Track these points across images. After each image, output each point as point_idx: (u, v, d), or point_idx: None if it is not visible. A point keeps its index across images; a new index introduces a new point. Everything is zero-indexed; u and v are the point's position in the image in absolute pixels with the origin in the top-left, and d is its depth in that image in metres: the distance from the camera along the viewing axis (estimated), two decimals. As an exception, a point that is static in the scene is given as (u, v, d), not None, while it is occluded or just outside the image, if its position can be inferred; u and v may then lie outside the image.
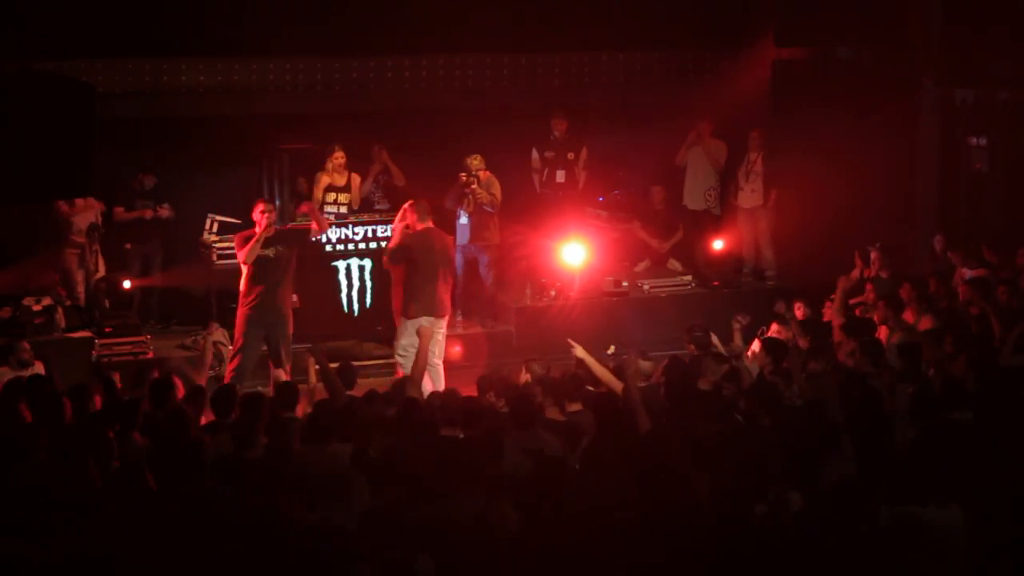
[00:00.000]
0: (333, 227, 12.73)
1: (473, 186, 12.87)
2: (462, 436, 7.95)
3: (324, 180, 13.39)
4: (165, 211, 13.29)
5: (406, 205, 11.52)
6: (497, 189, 13.14)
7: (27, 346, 10.66)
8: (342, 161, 13.35)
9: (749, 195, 14.43)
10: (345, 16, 13.70)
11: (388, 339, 13.11)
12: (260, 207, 11.14)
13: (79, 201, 12.58)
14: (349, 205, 13.40)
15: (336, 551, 6.01)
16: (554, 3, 14.31)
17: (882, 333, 10.89)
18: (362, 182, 13.75)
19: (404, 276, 11.43)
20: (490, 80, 14.88)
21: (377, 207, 13.75)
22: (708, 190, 14.52)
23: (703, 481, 6.75)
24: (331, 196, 13.37)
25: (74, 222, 12.66)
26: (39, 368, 10.57)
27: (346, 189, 13.41)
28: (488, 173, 13.16)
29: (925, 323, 11.01)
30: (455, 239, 13.35)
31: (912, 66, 14.66)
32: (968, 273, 12.38)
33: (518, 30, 14.29)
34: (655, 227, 14.68)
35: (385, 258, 11.78)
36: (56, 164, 10.99)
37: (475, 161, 13.11)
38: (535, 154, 14.18)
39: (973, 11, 14.12)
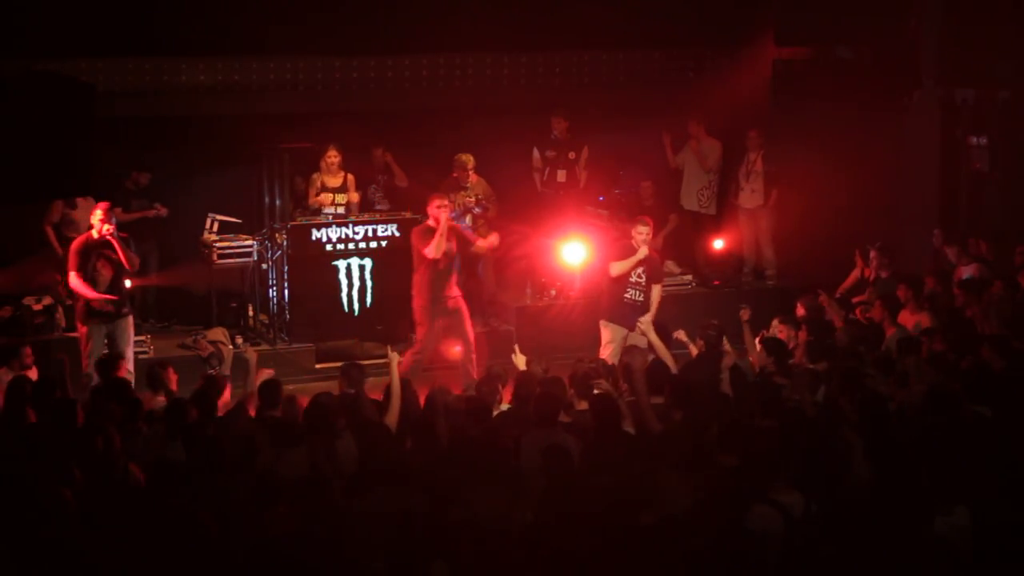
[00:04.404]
0: (333, 226, 12.74)
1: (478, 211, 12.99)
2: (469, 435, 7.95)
3: (319, 181, 13.26)
4: (163, 210, 13.27)
5: (101, 214, 11.25)
6: (486, 188, 13.26)
7: (29, 351, 10.65)
8: (336, 160, 13.23)
9: (750, 195, 14.44)
10: (345, 16, 13.68)
11: (388, 339, 13.14)
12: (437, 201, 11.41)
13: (80, 201, 12.59)
14: (347, 205, 13.34)
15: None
16: (554, 3, 14.29)
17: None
18: (364, 189, 13.75)
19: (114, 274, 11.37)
20: (490, 79, 14.86)
21: (377, 207, 13.74)
22: (700, 190, 14.53)
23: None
24: (328, 197, 13.27)
25: (75, 220, 12.65)
26: (34, 372, 10.57)
27: (342, 189, 13.30)
28: (477, 176, 13.23)
29: (924, 321, 11.03)
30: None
31: (912, 66, 14.65)
32: (964, 272, 12.39)
33: (518, 30, 14.27)
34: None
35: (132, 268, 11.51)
36: (56, 164, 11.00)
37: (468, 160, 13.14)
38: (536, 153, 14.18)
39: (973, 11, 14.11)
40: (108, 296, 11.26)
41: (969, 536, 6.44)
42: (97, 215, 11.29)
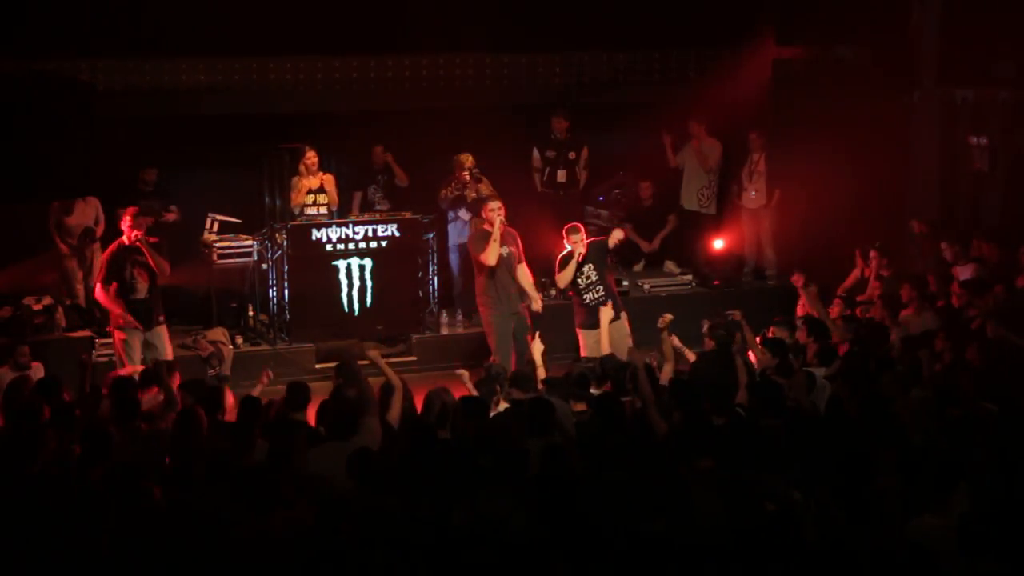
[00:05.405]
0: (333, 226, 12.73)
1: (476, 184, 12.87)
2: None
3: (303, 183, 13.13)
4: (172, 215, 13.21)
5: (129, 219, 11.10)
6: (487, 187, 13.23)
7: (27, 350, 10.64)
8: (315, 161, 13.12)
9: (753, 195, 14.43)
10: (344, 16, 13.68)
11: (388, 339, 13.14)
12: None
13: (79, 204, 12.55)
14: (328, 206, 13.24)
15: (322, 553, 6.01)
16: (554, 3, 14.30)
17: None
18: (364, 189, 13.73)
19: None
20: (490, 79, 14.87)
21: (377, 207, 13.73)
22: (700, 190, 14.53)
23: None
24: (310, 198, 13.17)
25: (68, 225, 12.59)
26: (38, 369, 10.57)
27: (321, 190, 13.20)
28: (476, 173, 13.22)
29: (926, 321, 11.04)
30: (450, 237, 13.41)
31: (912, 66, 14.65)
32: (963, 273, 12.38)
33: (518, 30, 14.29)
34: (643, 227, 14.72)
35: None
36: (56, 164, 11.00)
37: (467, 159, 13.11)
38: (536, 153, 14.20)
39: (973, 11, 14.11)
40: (129, 316, 11.02)
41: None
42: (125, 221, 11.12)
